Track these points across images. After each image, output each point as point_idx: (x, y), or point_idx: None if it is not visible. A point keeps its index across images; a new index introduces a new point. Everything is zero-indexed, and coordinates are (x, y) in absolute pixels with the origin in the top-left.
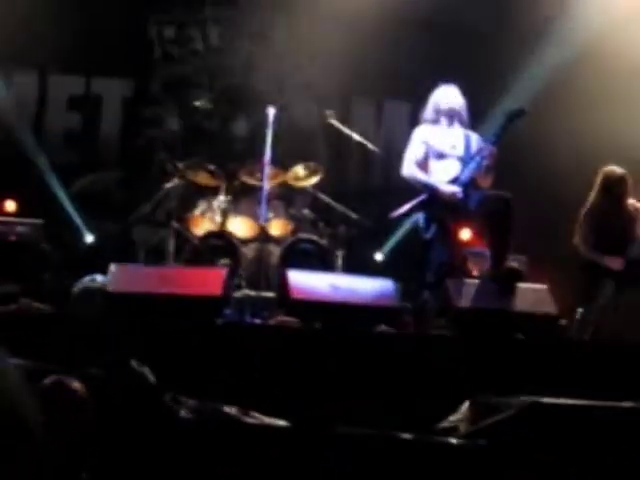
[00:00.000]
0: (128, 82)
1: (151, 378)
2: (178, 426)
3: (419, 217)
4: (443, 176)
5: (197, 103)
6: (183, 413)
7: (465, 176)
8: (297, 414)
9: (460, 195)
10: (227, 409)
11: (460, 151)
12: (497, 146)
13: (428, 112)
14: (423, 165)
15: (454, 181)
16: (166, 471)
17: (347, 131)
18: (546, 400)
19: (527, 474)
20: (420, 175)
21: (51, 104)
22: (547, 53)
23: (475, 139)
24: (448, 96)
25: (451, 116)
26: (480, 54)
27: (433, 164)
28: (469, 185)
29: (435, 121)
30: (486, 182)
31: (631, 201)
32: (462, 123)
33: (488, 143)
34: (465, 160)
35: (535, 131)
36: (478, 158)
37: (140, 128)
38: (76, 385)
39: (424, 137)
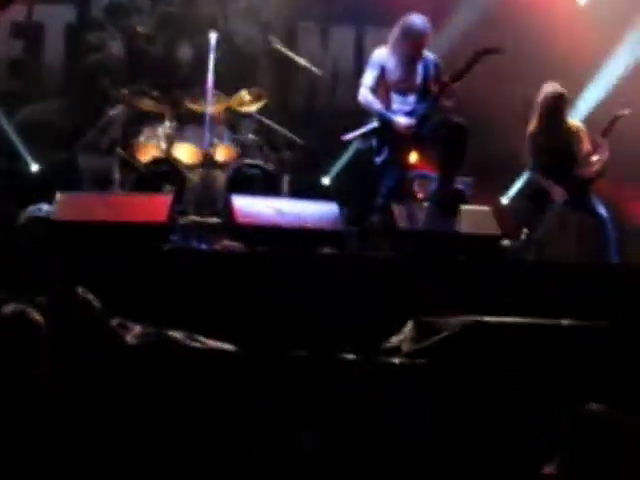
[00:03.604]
0: (70, 8)
1: (97, 304)
2: (124, 351)
3: (371, 141)
4: (400, 108)
5: (139, 28)
6: (129, 338)
7: (421, 110)
8: (243, 337)
9: (414, 129)
10: (173, 334)
11: (418, 80)
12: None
13: (398, 38)
14: (381, 95)
15: (410, 113)
16: (113, 398)
17: (292, 55)
18: (487, 319)
19: (468, 391)
20: (375, 104)
21: None
22: None
23: (433, 64)
24: (426, 27)
25: (418, 47)
26: None
27: (391, 95)
28: (424, 118)
29: (399, 48)
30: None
31: (573, 121)
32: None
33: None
34: (422, 93)
35: None
36: (434, 95)
37: (83, 54)
38: (35, 315)
39: (382, 61)
